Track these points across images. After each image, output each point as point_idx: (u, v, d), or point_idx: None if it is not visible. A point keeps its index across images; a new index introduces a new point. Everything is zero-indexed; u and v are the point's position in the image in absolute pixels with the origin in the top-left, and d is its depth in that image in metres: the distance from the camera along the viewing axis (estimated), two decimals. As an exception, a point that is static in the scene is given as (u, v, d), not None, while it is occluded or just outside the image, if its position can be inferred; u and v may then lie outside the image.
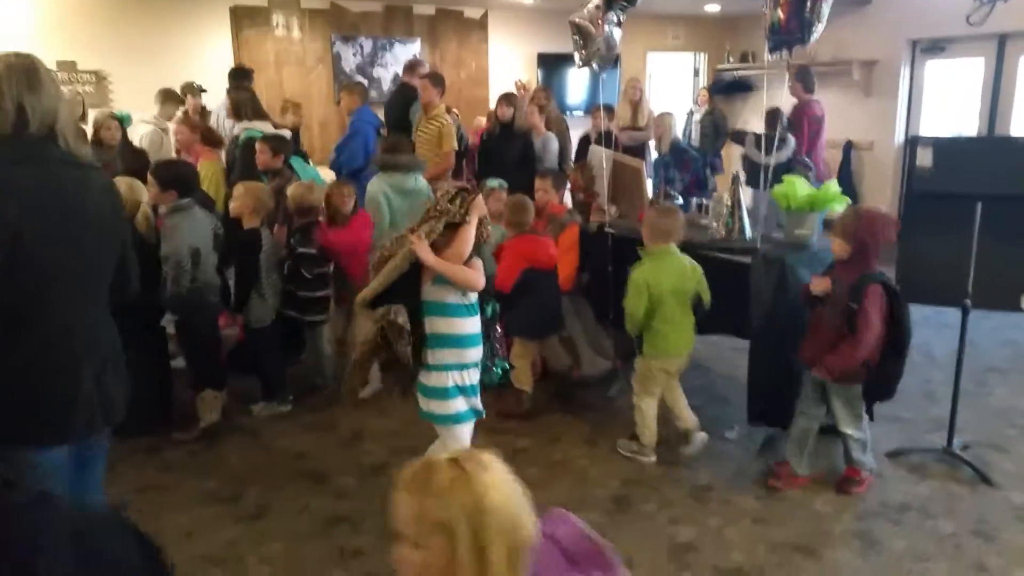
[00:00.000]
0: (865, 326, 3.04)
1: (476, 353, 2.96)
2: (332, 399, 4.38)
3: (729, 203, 4.06)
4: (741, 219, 4.02)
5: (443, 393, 2.88)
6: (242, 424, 4.09)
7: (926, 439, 3.79)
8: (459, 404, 2.92)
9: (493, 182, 4.97)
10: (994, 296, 3.44)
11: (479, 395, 3.01)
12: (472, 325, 2.92)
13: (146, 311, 3.71)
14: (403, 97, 6.22)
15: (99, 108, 6.37)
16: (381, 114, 6.32)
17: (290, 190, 4.36)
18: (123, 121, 5.57)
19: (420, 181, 4.61)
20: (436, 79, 5.76)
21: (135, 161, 5.20)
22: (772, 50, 3.86)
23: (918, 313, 5.68)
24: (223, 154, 5.64)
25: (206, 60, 7.60)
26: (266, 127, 5.47)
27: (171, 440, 3.89)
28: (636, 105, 7.10)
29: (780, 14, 4.37)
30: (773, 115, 6.08)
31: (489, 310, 4.44)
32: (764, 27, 4.03)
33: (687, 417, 3.63)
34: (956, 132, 8.12)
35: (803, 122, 6.50)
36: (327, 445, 3.88)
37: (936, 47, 8.43)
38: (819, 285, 3.21)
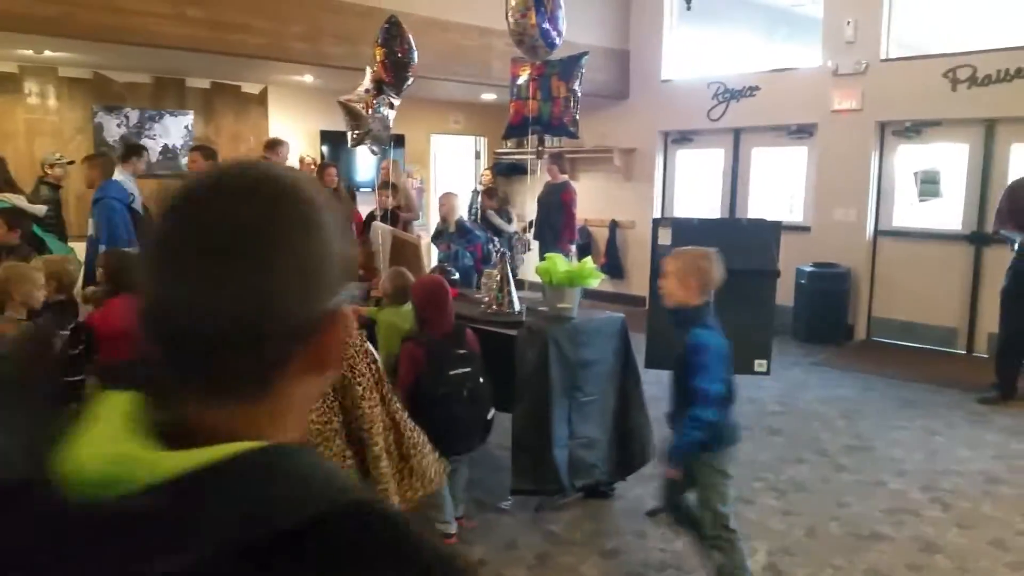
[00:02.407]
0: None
1: None
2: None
3: (499, 277, 4.22)
4: (510, 293, 4.18)
5: None
6: None
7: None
8: None
9: None
10: (734, 361, 3.81)
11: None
12: None
13: None
14: None
15: None
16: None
17: (42, 264, 3.94)
18: None
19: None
20: (207, 152, 5.57)
21: None
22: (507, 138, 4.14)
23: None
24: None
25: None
26: (17, 200, 4.96)
27: None
28: (393, 187, 7.27)
29: (551, 108, 4.76)
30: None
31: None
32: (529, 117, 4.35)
33: None
34: (704, 213, 9.09)
35: (567, 199, 7.28)
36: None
37: (684, 138, 9.46)
38: None
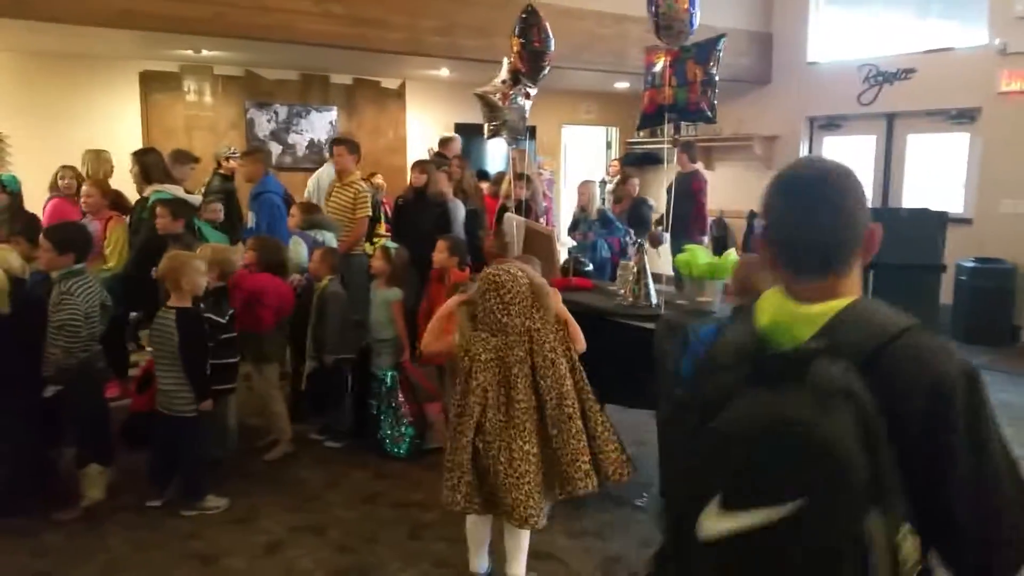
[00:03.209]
0: None
1: None
2: (228, 472, 4.16)
3: (636, 270, 4.13)
4: (646, 285, 4.08)
5: None
6: (127, 503, 3.82)
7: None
8: None
9: (388, 243, 5.02)
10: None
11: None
12: None
13: (22, 382, 3.49)
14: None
15: (-8, 170, 6.11)
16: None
17: (208, 252, 4.20)
18: (8, 184, 5.32)
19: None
20: (352, 146, 5.78)
21: (26, 225, 4.96)
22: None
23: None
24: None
25: (112, 124, 7.41)
26: (176, 191, 5.33)
27: (50, 521, 3.60)
28: (527, 179, 7.26)
29: (687, 93, 4.60)
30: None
31: (389, 379, 4.37)
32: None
33: None
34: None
35: (697, 188, 7.05)
36: (218, 522, 3.66)
37: (832, 124, 8.96)
38: None
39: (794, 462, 0.98)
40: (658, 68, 4.71)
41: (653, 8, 4.09)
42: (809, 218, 1.19)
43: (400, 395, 4.39)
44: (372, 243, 6.08)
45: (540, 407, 2.83)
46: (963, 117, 7.73)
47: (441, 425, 4.44)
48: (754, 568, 1.00)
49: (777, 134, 9.18)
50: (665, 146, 9.07)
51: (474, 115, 6.42)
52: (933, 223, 3.53)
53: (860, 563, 0.96)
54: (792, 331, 1.16)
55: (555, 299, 3.02)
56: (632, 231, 6.38)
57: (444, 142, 7.35)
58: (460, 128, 9.38)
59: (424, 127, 9.31)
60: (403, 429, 4.38)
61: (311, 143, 8.40)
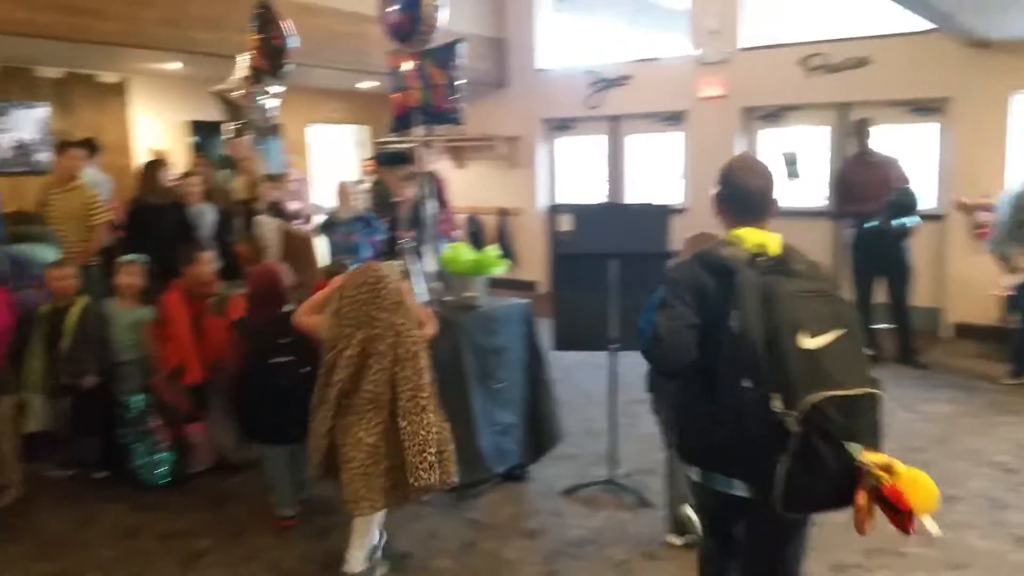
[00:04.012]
0: None
1: None
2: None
3: (404, 269, 4.18)
4: (414, 284, 4.14)
5: None
6: None
7: (593, 472, 4.18)
8: None
9: (135, 256, 4.58)
10: (634, 337, 3.95)
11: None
12: None
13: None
14: None
15: None
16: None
17: None
18: None
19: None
20: (91, 148, 5.21)
21: None
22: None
23: (573, 358, 6.28)
24: None
25: None
26: None
27: None
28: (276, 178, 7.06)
29: (432, 96, 4.73)
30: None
31: (142, 402, 4.04)
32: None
33: None
34: (588, 198, 9.33)
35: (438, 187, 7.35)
36: None
37: (564, 126, 9.66)
38: None
39: (839, 306, 2.00)
40: (404, 69, 4.80)
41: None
42: (756, 188, 2.19)
43: (154, 420, 4.06)
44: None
45: (393, 399, 2.90)
46: (674, 119, 8.75)
47: (206, 445, 4.18)
48: (837, 360, 1.89)
49: (517, 135, 9.72)
50: (416, 147, 9.24)
51: (212, 112, 6.09)
52: (659, 215, 3.97)
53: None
54: (767, 247, 2.10)
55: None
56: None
57: (231, 142, 6.78)
58: (197, 126, 8.81)
59: (154, 125, 8.60)
60: (160, 455, 4.05)
61: (21, 144, 7.39)
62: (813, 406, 1.82)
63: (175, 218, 5.76)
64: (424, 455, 2.89)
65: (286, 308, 3.62)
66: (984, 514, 3.66)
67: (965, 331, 7.04)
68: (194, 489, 4.04)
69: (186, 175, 6.18)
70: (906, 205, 5.95)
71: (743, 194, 2.19)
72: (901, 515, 1.80)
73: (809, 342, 1.89)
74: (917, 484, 1.80)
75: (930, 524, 1.81)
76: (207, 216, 5.93)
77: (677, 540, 3.37)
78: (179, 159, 7.91)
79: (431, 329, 3.22)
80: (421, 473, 2.88)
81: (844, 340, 1.92)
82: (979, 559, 3.25)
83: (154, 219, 5.67)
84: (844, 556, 3.26)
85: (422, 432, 2.90)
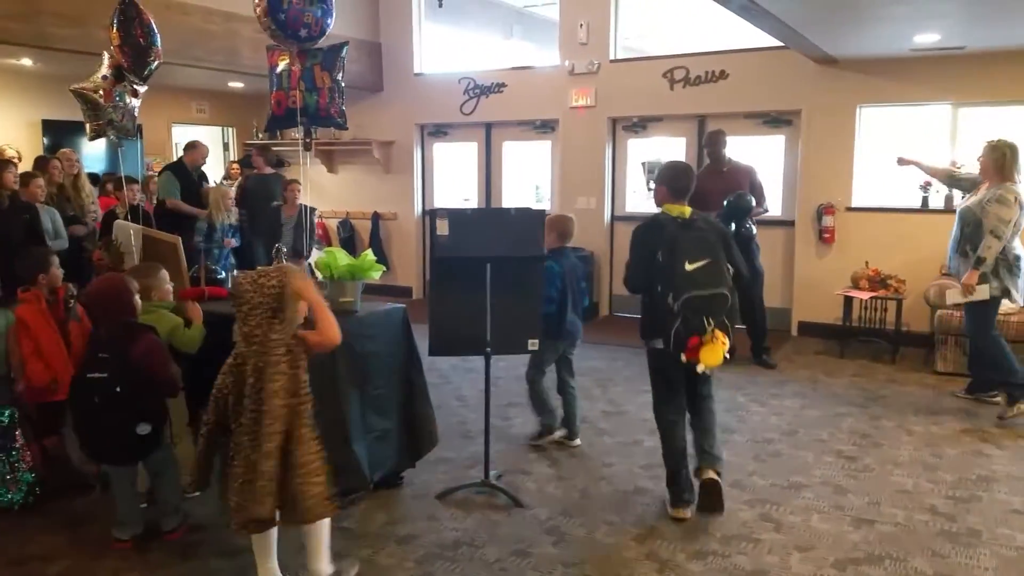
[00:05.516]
0: None
1: None
2: None
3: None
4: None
5: None
6: None
7: (468, 475, 4.26)
8: None
9: None
10: (508, 341, 4.05)
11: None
12: None
13: None
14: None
15: None
16: None
17: None
18: None
19: None
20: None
21: None
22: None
23: (447, 362, 6.33)
24: None
25: None
26: None
27: None
28: (136, 181, 6.82)
29: (318, 99, 4.68)
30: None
31: (7, 415, 3.77)
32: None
33: None
34: (463, 203, 9.43)
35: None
36: None
37: (440, 131, 9.72)
38: None
39: (712, 246, 3.49)
40: (281, 68, 4.72)
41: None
42: (684, 179, 3.69)
43: (18, 436, 3.80)
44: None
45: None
46: (545, 127, 8.99)
47: (64, 460, 3.95)
48: (703, 276, 3.43)
49: (393, 139, 9.69)
50: (287, 149, 9.04)
51: (70, 111, 5.76)
52: (534, 220, 4.09)
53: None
54: (684, 215, 3.59)
55: (308, 291, 2.93)
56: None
57: (189, 147, 7.13)
58: (51, 125, 8.29)
59: (4, 123, 8.01)
60: (19, 475, 3.78)
61: None
62: (686, 298, 3.40)
63: (22, 221, 5.42)
64: (261, 483, 2.74)
65: (130, 320, 3.45)
66: (827, 499, 3.99)
67: (808, 329, 7.66)
68: (51, 511, 3.80)
69: (31, 176, 5.84)
70: (741, 209, 6.34)
71: (674, 184, 3.69)
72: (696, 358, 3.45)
73: (689, 266, 3.41)
74: (713, 350, 3.41)
75: (701, 368, 3.48)
76: (52, 218, 5.63)
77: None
78: (29, 159, 7.40)
79: (334, 334, 3.00)
80: (252, 505, 2.78)
81: (710, 265, 3.44)
82: (823, 540, 3.56)
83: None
84: (703, 544, 3.50)
85: (263, 461, 2.77)
